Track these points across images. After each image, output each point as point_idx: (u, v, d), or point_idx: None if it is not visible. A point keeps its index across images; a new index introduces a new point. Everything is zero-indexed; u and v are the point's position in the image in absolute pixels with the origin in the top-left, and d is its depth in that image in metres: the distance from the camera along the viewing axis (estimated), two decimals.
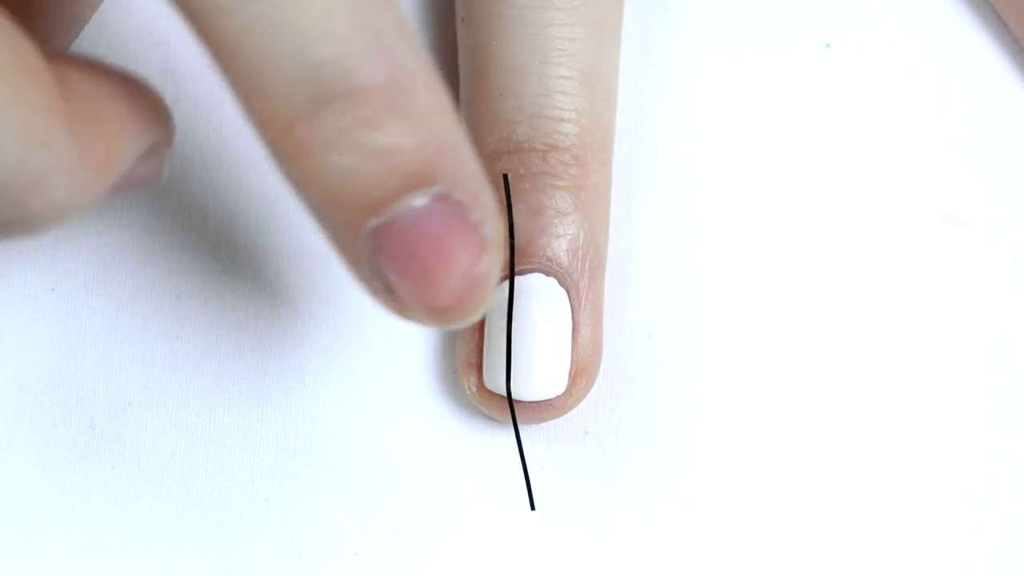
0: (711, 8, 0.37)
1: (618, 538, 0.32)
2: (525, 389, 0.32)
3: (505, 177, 0.32)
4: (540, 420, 0.33)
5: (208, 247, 0.34)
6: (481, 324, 0.32)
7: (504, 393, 0.32)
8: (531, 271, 0.32)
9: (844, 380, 0.34)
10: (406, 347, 0.34)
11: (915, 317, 0.34)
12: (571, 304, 0.32)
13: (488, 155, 0.32)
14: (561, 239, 0.32)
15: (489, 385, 0.32)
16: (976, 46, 0.37)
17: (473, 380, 0.33)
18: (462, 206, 0.24)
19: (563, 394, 0.32)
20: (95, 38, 0.36)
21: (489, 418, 0.33)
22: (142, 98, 0.26)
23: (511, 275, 0.32)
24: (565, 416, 0.33)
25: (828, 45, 0.36)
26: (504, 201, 0.31)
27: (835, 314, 0.34)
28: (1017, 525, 0.33)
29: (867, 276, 0.35)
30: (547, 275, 0.32)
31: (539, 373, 0.32)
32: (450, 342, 0.34)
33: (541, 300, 0.32)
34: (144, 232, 0.34)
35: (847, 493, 0.33)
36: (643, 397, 0.34)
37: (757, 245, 0.35)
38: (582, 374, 0.32)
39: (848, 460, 0.33)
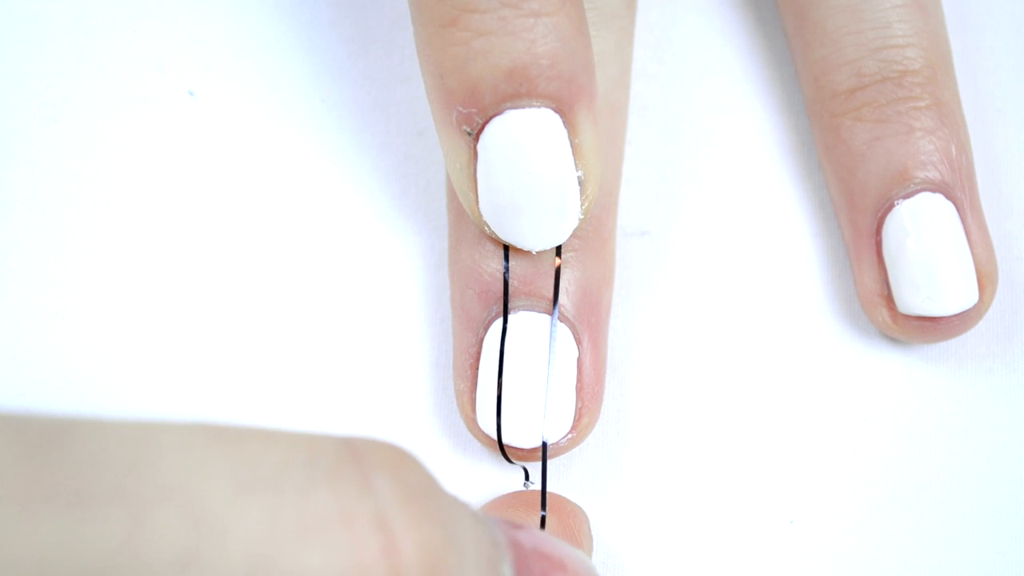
0: None
1: (618, 538, 0.33)
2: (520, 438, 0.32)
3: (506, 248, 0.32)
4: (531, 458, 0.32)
5: (207, 260, 0.34)
6: (476, 361, 0.32)
7: (495, 438, 0.32)
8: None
9: (832, 382, 0.34)
10: (403, 369, 0.34)
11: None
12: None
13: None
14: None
15: (485, 429, 0.32)
16: (978, 44, 0.37)
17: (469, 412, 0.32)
18: None
19: (566, 440, 0.32)
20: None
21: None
22: None
23: (504, 314, 0.31)
24: None
25: None
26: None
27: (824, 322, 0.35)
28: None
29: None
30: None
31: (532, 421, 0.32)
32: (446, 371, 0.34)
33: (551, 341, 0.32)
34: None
35: (826, 490, 0.33)
36: (643, 396, 0.34)
37: (751, 248, 0.35)
38: (586, 414, 0.32)
39: (835, 459, 0.33)
